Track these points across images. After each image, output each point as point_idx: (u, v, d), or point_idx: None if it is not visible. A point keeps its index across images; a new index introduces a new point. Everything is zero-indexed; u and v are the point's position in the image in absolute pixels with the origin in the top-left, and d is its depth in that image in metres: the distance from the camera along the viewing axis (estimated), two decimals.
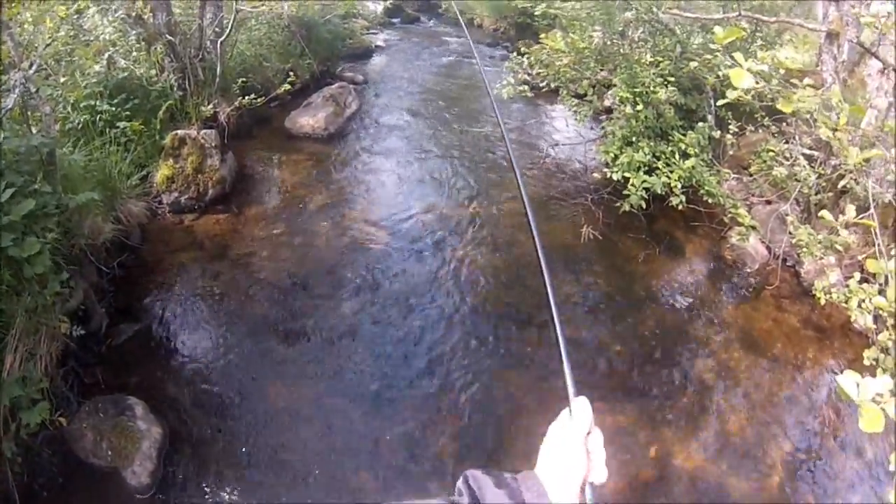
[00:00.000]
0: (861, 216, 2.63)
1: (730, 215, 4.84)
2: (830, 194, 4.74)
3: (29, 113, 3.90)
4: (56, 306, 3.41)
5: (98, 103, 5.14)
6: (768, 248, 5.08)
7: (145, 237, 5.00)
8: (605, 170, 5.25)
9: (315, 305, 4.49)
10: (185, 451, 3.40)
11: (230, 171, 5.77)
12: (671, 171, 4.89)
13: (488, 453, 3.48)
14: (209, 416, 3.62)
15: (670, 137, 5.16)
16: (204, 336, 4.21)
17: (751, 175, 5.25)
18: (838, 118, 2.68)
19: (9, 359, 2.93)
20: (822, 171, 4.68)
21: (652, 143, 5.16)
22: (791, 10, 5.71)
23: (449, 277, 4.81)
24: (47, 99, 4.19)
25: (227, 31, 6.22)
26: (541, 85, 6.31)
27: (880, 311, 3.68)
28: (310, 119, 6.99)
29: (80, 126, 4.97)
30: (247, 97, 6.18)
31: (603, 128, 5.79)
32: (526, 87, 6.06)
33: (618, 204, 5.08)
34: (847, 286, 3.91)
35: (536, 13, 6.83)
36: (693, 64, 4.83)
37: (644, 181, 4.86)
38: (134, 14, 5.67)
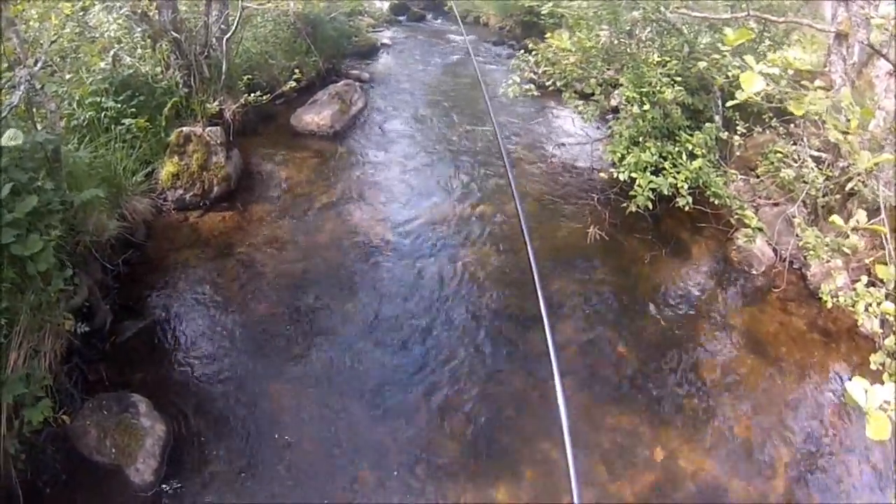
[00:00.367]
0: (872, 221, 2.59)
1: (736, 217, 4.82)
2: (838, 197, 4.71)
3: (34, 110, 3.90)
4: (60, 303, 3.41)
5: (103, 100, 5.14)
6: (775, 250, 5.05)
7: (150, 234, 5.00)
8: (612, 170, 5.22)
9: (319, 304, 4.48)
10: (189, 448, 3.40)
11: (235, 169, 5.77)
12: (678, 172, 4.86)
13: (492, 455, 3.47)
14: (212, 413, 3.62)
15: (677, 138, 5.13)
16: (208, 333, 4.21)
17: (758, 176, 5.22)
18: (848, 121, 2.66)
19: (13, 356, 2.93)
20: (830, 174, 4.65)
21: (659, 144, 5.12)
22: (799, 10, 5.66)
23: (454, 277, 4.79)
24: (52, 96, 4.18)
25: (233, 28, 6.21)
26: (547, 84, 6.28)
27: (887, 316, 3.66)
28: (315, 117, 6.99)
29: (86, 123, 4.97)
30: (252, 94, 6.17)
31: (609, 127, 5.76)
32: (532, 86, 6.03)
33: (624, 204, 5.06)
34: (854, 289, 3.88)
35: (543, 12, 6.80)
36: (702, 64, 4.80)
37: (651, 182, 4.84)
38: (139, 11, 5.67)
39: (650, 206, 4.88)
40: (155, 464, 3.22)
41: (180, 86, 5.85)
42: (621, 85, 5.59)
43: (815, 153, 4.80)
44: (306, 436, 3.52)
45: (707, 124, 5.23)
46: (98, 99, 5.13)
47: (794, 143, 4.93)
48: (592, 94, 5.90)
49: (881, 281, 3.86)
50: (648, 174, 4.92)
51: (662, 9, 5.22)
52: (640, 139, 5.19)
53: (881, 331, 3.95)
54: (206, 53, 6.03)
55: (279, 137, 6.81)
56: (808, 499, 3.42)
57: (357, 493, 3.24)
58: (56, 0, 4.60)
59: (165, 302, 4.41)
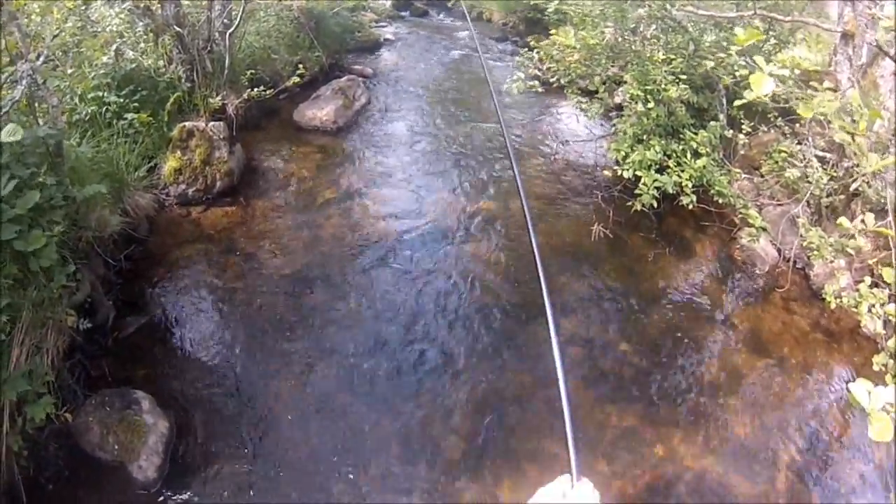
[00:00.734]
0: (878, 223, 2.59)
1: (740, 216, 4.80)
2: (842, 197, 4.69)
3: (36, 104, 3.88)
4: (63, 299, 3.41)
5: (106, 95, 5.12)
6: (778, 249, 5.03)
7: (152, 229, 5.00)
8: (616, 167, 5.20)
9: (322, 299, 4.48)
10: (192, 445, 3.41)
11: (238, 164, 5.75)
12: (682, 171, 4.84)
13: (495, 452, 3.47)
14: (216, 410, 3.62)
15: (682, 136, 5.11)
16: (211, 329, 4.22)
17: (762, 176, 5.20)
18: (854, 122, 2.64)
19: (15, 352, 2.93)
20: (835, 174, 4.63)
21: (663, 142, 5.10)
22: (804, 10, 5.63)
23: (458, 273, 4.79)
24: (54, 90, 4.16)
25: (236, 22, 6.17)
26: (551, 80, 6.25)
27: (890, 318, 3.66)
28: (318, 112, 6.96)
29: (88, 118, 4.95)
30: (255, 89, 6.13)
31: (614, 125, 5.73)
32: (536, 83, 6.01)
33: (629, 202, 5.04)
34: (857, 290, 3.88)
35: (549, 10, 6.77)
36: (709, 64, 4.77)
37: (655, 180, 4.82)
38: (142, 5, 5.64)
39: (654, 205, 4.87)
40: (158, 461, 3.23)
41: (183, 80, 5.82)
42: (625, 82, 5.57)
43: (820, 153, 4.78)
44: (309, 431, 3.53)
45: (711, 123, 5.21)
46: (100, 94, 5.10)
47: (799, 143, 4.91)
48: (596, 92, 5.87)
49: (885, 282, 3.86)
50: (653, 172, 4.91)
51: (668, 6, 5.18)
52: (645, 137, 5.17)
53: (884, 332, 3.94)
54: (208, 48, 6.00)
55: (282, 133, 6.79)
56: (810, 497, 3.42)
57: (360, 488, 3.25)
58: None
59: (168, 298, 4.41)
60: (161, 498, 3.15)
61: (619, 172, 5.09)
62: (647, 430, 3.68)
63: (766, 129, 5.26)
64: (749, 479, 3.47)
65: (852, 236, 3.98)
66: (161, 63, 5.87)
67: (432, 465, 3.39)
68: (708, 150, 4.95)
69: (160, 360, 3.92)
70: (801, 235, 4.45)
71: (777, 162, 4.96)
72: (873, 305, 3.74)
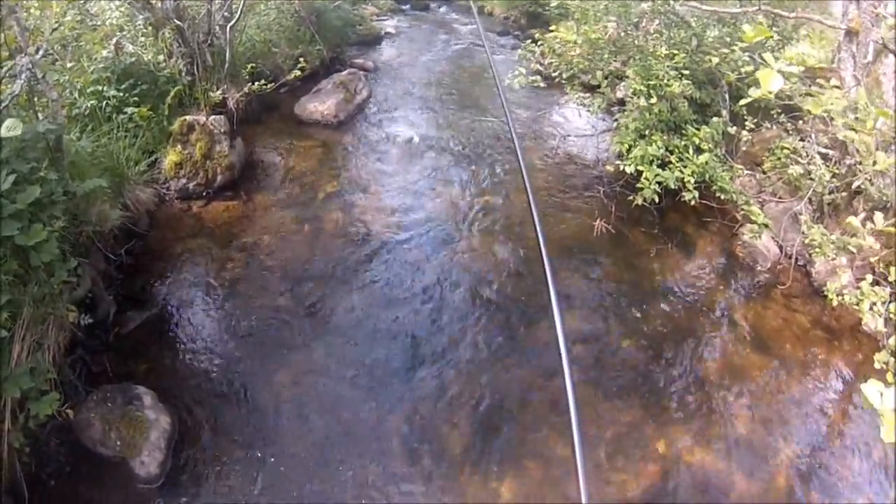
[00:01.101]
0: (887, 223, 2.58)
1: (742, 212, 4.79)
2: (844, 194, 4.68)
3: (35, 99, 3.86)
4: (63, 295, 3.40)
5: (105, 89, 5.10)
6: (780, 246, 5.03)
7: (153, 224, 4.99)
8: (618, 162, 5.18)
9: (323, 294, 4.48)
10: (194, 440, 3.42)
11: (239, 158, 5.73)
12: (684, 166, 4.83)
13: (496, 447, 3.48)
14: (218, 405, 3.63)
15: (684, 132, 5.09)
16: (212, 324, 4.22)
17: (764, 172, 5.18)
18: (857, 119, 2.64)
19: (16, 349, 2.92)
20: (837, 171, 4.61)
21: (665, 137, 5.08)
22: (807, 6, 5.60)
23: (459, 268, 4.79)
24: (54, 84, 4.14)
25: (237, 15, 6.14)
26: (553, 75, 6.22)
27: (892, 316, 3.66)
28: (319, 105, 6.93)
29: (88, 112, 4.93)
30: (256, 83, 6.12)
31: (616, 120, 5.71)
32: (538, 77, 5.98)
33: (630, 197, 5.03)
34: (859, 287, 3.88)
35: (552, 4, 6.73)
36: (714, 60, 4.74)
37: (657, 175, 4.81)
38: None
39: (656, 200, 4.85)
40: (160, 456, 3.23)
41: (183, 74, 5.80)
42: (627, 77, 5.55)
43: (823, 150, 4.76)
44: (312, 426, 3.54)
45: (714, 118, 5.19)
46: (100, 88, 5.09)
47: (802, 140, 4.89)
48: (598, 87, 5.84)
49: (886, 280, 3.87)
50: (655, 167, 4.89)
51: (672, 1, 5.15)
52: (647, 132, 5.15)
53: (885, 330, 3.95)
54: (209, 41, 5.97)
55: (283, 126, 6.76)
56: (809, 494, 3.43)
57: (361, 483, 3.26)
58: None
59: (169, 292, 4.41)
60: (163, 493, 3.16)
61: (621, 167, 5.08)
62: (648, 425, 3.69)
63: (768, 125, 5.24)
64: (750, 475, 3.48)
65: (853, 235, 3.97)
66: (161, 57, 5.84)
67: (434, 461, 3.40)
68: (710, 145, 4.93)
69: (161, 356, 3.92)
70: (804, 232, 4.44)
71: (780, 158, 4.94)
72: (875, 303, 3.75)
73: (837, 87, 2.44)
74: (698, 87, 5.43)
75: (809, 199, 4.75)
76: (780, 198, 5.17)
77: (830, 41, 6.05)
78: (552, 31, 5.98)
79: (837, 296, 4.03)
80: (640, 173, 4.89)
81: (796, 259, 4.83)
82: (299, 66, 6.83)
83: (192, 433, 3.46)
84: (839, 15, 4.96)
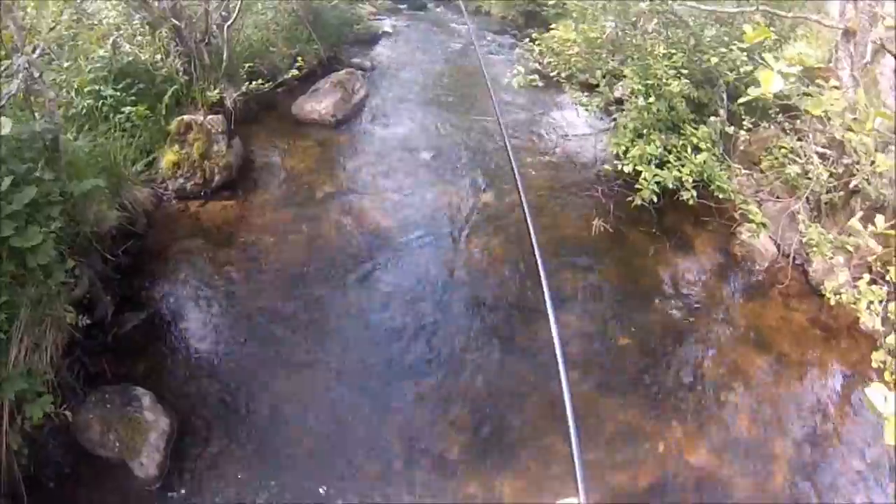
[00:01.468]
0: (888, 225, 2.59)
1: (740, 212, 4.80)
2: (842, 194, 4.69)
3: (32, 98, 3.84)
4: (61, 296, 3.39)
5: (102, 88, 5.08)
6: (778, 245, 5.04)
7: (151, 224, 4.97)
8: (616, 162, 5.18)
9: (322, 294, 4.47)
10: (193, 442, 3.41)
11: (236, 157, 5.72)
12: (682, 166, 4.83)
13: (494, 448, 3.49)
14: (216, 406, 3.63)
15: (682, 131, 5.09)
16: (211, 324, 4.21)
17: (762, 171, 5.19)
18: (855, 120, 2.64)
19: (13, 351, 2.91)
20: (834, 171, 4.62)
21: (663, 137, 5.08)
22: (803, 6, 5.60)
23: (458, 267, 4.80)
24: (51, 84, 4.13)
25: (234, 15, 6.13)
26: (551, 74, 6.22)
27: (889, 315, 3.68)
28: (317, 105, 6.91)
29: (85, 112, 4.91)
30: (253, 82, 6.11)
31: (614, 119, 5.71)
32: (536, 77, 5.97)
33: (629, 197, 5.03)
34: (856, 287, 3.89)
35: (549, 2, 6.72)
36: (714, 60, 4.74)
37: (655, 175, 4.81)
38: None
39: (654, 200, 4.86)
40: (159, 458, 3.23)
41: (180, 73, 5.79)
42: (625, 76, 5.54)
43: (821, 150, 4.77)
44: (310, 427, 3.54)
45: (712, 118, 5.19)
46: (97, 87, 5.06)
47: (800, 140, 4.90)
48: (596, 86, 5.84)
49: (883, 279, 3.88)
50: (653, 167, 4.89)
51: (670, 1, 5.15)
52: (645, 132, 5.15)
53: (882, 329, 3.96)
54: (206, 41, 5.96)
55: (280, 126, 6.74)
56: (807, 492, 3.44)
57: (361, 483, 3.26)
58: None
59: (167, 292, 4.40)
60: (162, 495, 3.15)
61: (619, 167, 5.07)
62: (646, 424, 3.70)
63: (766, 125, 5.25)
64: (747, 474, 3.49)
65: (850, 234, 3.99)
66: (158, 56, 5.83)
67: (433, 461, 3.40)
68: (708, 145, 4.93)
69: (160, 356, 3.91)
70: (801, 232, 4.45)
71: (777, 158, 4.94)
72: (872, 302, 3.76)
73: (836, 87, 2.44)
74: (696, 86, 5.43)
75: (807, 198, 4.76)
76: (777, 197, 5.18)
77: (827, 40, 6.05)
78: (551, 29, 5.98)
79: (835, 295, 4.04)
80: (638, 173, 4.89)
81: (794, 258, 4.84)
82: (297, 65, 6.81)
83: (191, 434, 3.45)
84: (835, 14, 4.97)
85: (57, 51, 5.02)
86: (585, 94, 5.98)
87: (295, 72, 6.73)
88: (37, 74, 3.71)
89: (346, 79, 7.37)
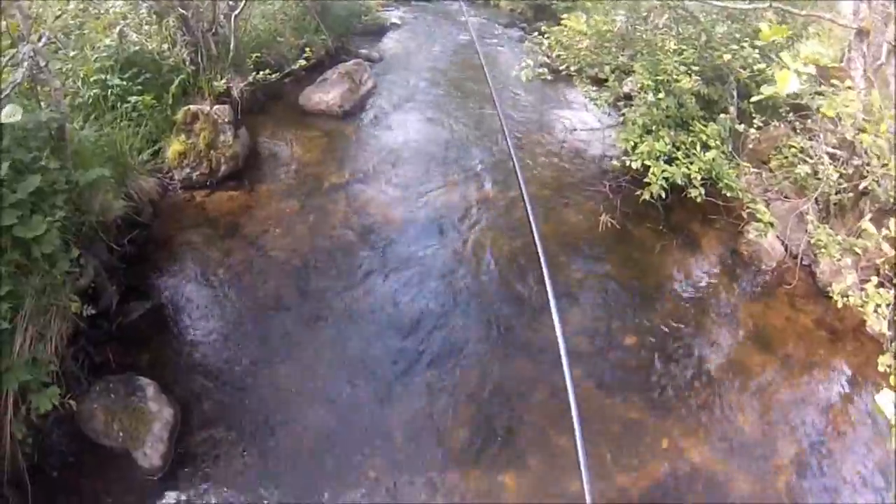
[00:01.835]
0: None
1: (748, 210, 4.76)
2: (851, 195, 4.64)
3: (38, 87, 3.83)
4: (66, 285, 3.39)
5: (109, 77, 5.06)
6: (785, 245, 5.00)
7: (156, 214, 4.97)
8: (624, 157, 5.14)
9: (327, 285, 4.48)
10: (197, 432, 3.43)
11: (243, 148, 5.70)
12: (691, 163, 4.79)
13: (498, 441, 3.50)
14: (221, 396, 3.64)
15: (691, 128, 5.04)
16: (215, 314, 4.22)
17: (770, 170, 5.14)
18: (866, 120, 2.61)
19: (18, 340, 2.91)
20: (844, 171, 4.58)
21: (672, 133, 5.04)
22: (815, 4, 5.52)
23: (464, 260, 4.79)
24: (57, 73, 4.12)
25: (241, 5, 6.09)
26: (560, 68, 6.17)
27: None
28: (324, 96, 6.87)
29: (91, 101, 4.90)
30: (260, 72, 6.08)
31: (623, 115, 5.67)
32: (545, 70, 5.93)
33: (637, 193, 5.00)
34: (863, 289, 3.86)
35: None
36: (726, 57, 4.68)
37: (664, 171, 4.77)
38: None
39: (662, 196, 4.83)
40: (163, 448, 3.25)
41: (187, 63, 5.76)
42: (635, 72, 5.49)
43: (831, 150, 4.72)
44: (315, 418, 3.55)
45: (721, 115, 5.14)
46: (103, 76, 5.04)
47: (810, 139, 4.85)
48: (605, 80, 5.79)
49: (891, 282, 3.85)
50: (662, 163, 4.85)
51: None
52: (654, 128, 5.10)
53: (889, 333, 3.94)
54: (213, 30, 5.92)
55: (287, 116, 6.72)
56: (810, 493, 3.44)
57: (364, 476, 3.28)
58: None
59: (172, 282, 4.41)
60: (166, 485, 3.17)
61: (628, 162, 5.04)
62: (650, 421, 3.70)
63: (776, 123, 5.19)
64: (751, 473, 3.49)
65: (859, 236, 3.95)
66: (165, 45, 5.80)
67: (437, 455, 3.41)
68: (717, 142, 4.89)
69: (165, 346, 3.92)
70: (809, 232, 4.42)
71: (787, 157, 4.89)
72: (879, 306, 3.73)
73: (850, 88, 2.40)
74: (706, 83, 5.38)
75: (816, 198, 4.72)
76: (786, 197, 5.14)
77: (839, 39, 5.97)
78: (563, 20, 5.92)
79: (842, 297, 4.01)
80: (646, 169, 4.85)
81: (801, 259, 4.81)
82: (304, 55, 6.77)
83: (195, 424, 3.47)
84: (848, 13, 4.90)
85: (63, 40, 5.00)
86: (594, 88, 5.94)
87: (302, 62, 6.69)
88: (42, 63, 3.69)
89: (353, 70, 7.32)
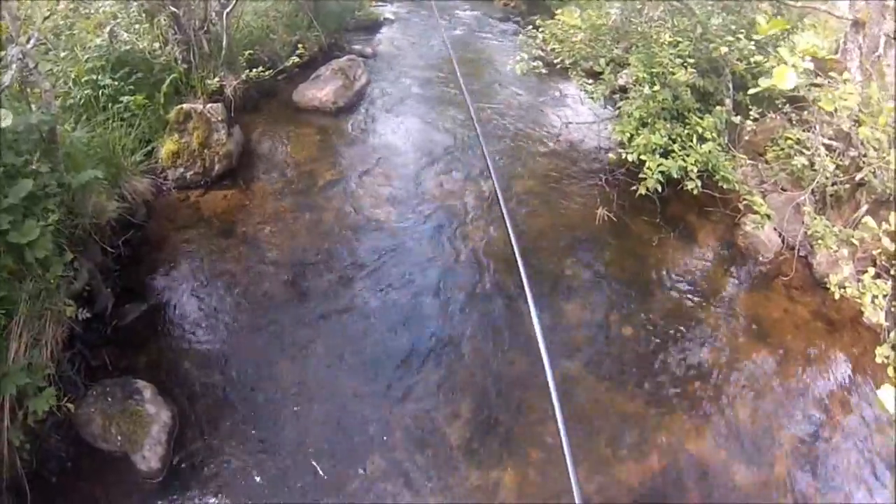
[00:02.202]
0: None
1: (745, 202, 4.76)
2: (847, 186, 4.64)
3: (28, 89, 3.79)
4: (60, 289, 3.36)
5: (100, 78, 5.02)
6: (782, 237, 5.00)
7: (151, 214, 4.93)
8: (620, 150, 5.13)
9: (324, 283, 4.46)
10: (195, 434, 3.41)
11: (237, 146, 5.67)
12: (687, 155, 4.77)
13: (499, 438, 3.50)
14: (218, 398, 3.63)
15: (687, 120, 5.03)
16: (212, 315, 4.19)
17: (767, 162, 5.13)
18: (861, 112, 2.60)
19: (13, 346, 2.90)
20: (840, 163, 4.57)
21: (668, 126, 5.02)
22: None
23: (461, 256, 4.78)
24: (47, 74, 4.07)
25: (233, 2, 6.04)
26: (555, 61, 6.14)
27: (893, 310, 3.66)
28: (318, 92, 6.84)
29: (82, 102, 4.86)
30: (253, 70, 6.05)
31: (618, 108, 5.65)
32: (539, 64, 5.90)
33: (633, 186, 5.00)
34: (860, 280, 3.87)
35: None
36: (723, 49, 4.66)
37: (660, 164, 4.76)
38: None
39: (659, 189, 4.82)
40: (161, 451, 3.23)
41: (179, 62, 5.72)
42: (630, 64, 5.47)
43: (827, 141, 4.72)
44: (313, 418, 3.54)
45: (717, 107, 5.13)
46: (94, 76, 5.00)
47: (806, 131, 4.84)
48: (601, 73, 5.77)
49: (888, 273, 3.85)
50: (658, 156, 4.84)
51: None
52: (650, 120, 5.09)
53: (886, 323, 3.95)
54: (205, 28, 5.87)
55: (281, 114, 6.68)
56: (808, 484, 3.45)
57: (363, 474, 3.27)
58: None
59: (168, 284, 4.38)
60: (165, 488, 3.16)
61: (623, 155, 5.03)
62: (649, 413, 3.71)
63: (773, 115, 5.18)
64: (749, 464, 3.50)
65: (856, 227, 3.95)
66: (157, 44, 5.75)
67: (435, 451, 3.41)
68: (713, 135, 4.87)
69: (161, 348, 3.90)
70: (806, 224, 4.41)
71: (783, 149, 4.89)
72: (876, 296, 3.74)
73: (848, 80, 2.39)
74: (702, 75, 5.36)
75: (812, 190, 4.72)
76: (782, 188, 5.14)
77: (834, 30, 5.95)
78: (557, 14, 5.89)
79: (839, 288, 4.02)
80: (642, 162, 4.84)
81: (798, 250, 4.81)
82: (297, 52, 6.73)
83: (193, 427, 3.45)
84: (843, 4, 4.89)
85: (53, 40, 4.96)
86: (589, 81, 5.92)
87: (295, 59, 6.66)
88: (32, 65, 3.65)
89: (347, 66, 7.28)
